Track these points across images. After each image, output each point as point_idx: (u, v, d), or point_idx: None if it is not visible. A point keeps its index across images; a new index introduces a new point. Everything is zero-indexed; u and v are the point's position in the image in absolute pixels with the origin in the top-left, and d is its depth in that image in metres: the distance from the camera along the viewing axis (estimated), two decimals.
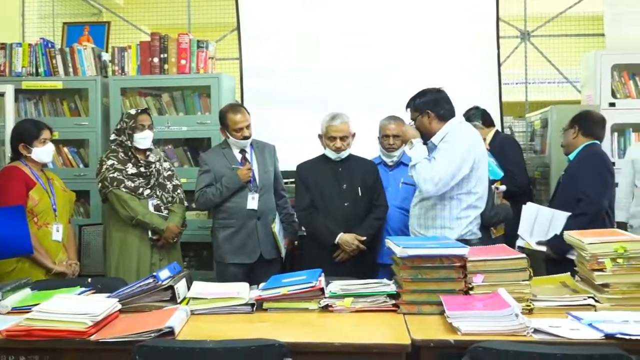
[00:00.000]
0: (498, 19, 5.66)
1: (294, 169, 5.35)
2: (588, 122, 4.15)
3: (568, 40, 6.21)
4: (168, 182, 4.31)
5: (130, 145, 4.17)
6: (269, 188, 4.32)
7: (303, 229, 5.21)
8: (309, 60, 5.77)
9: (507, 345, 2.19)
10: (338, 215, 4.04)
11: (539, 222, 4.05)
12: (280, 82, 5.77)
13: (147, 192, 4.19)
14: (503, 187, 4.27)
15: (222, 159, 4.26)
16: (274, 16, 5.82)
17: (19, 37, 6.26)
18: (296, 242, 4.71)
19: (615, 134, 5.20)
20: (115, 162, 4.15)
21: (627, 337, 2.30)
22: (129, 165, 4.17)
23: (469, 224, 3.54)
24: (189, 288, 2.96)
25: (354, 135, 4.17)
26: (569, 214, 3.93)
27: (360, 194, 4.07)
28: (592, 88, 5.33)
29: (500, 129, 5.37)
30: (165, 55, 5.20)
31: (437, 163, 3.45)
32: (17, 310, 2.79)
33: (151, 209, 4.17)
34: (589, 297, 2.71)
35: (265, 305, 2.83)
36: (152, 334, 2.38)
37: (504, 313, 2.43)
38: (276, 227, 4.24)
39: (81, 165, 5.23)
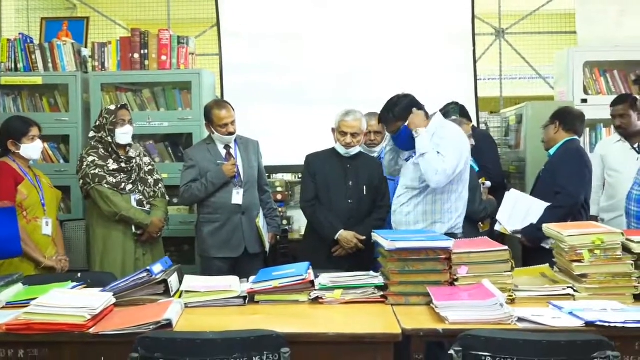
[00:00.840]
0: (474, 16, 5.75)
1: (274, 164, 5.43)
2: (569, 118, 4.23)
3: (541, 38, 6.35)
4: (149, 177, 4.35)
5: (110, 141, 4.18)
6: (253, 183, 4.35)
7: (285, 223, 5.30)
8: (288, 55, 5.80)
9: (495, 333, 2.28)
10: (340, 211, 4.05)
11: (518, 209, 4.12)
12: (260, 78, 5.78)
13: (129, 187, 4.21)
14: (488, 184, 4.38)
15: (207, 154, 4.28)
16: (253, 12, 5.82)
17: None
18: (278, 237, 4.76)
19: (587, 129, 5.30)
20: (96, 159, 4.16)
21: (606, 324, 2.41)
22: (110, 161, 4.18)
23: (458, 217, 3.61)
24: (180, 282, 3.01)
25: (367, 133, 4.22)
26: (548, 204, 4.02)
27: (364, 193, 4.07)
28: (564, 84, 5.46)
29: (476, 125, 5.48)
30: (146, 51, 5.20)
31: (444, 156, 3.46)
32: (11, 305, 2.81)
33: (134, 204, 4.20)
34: (568, 287, 2.81)
35: (257, 297, 2.88)
36: (151, 326, 2.42)
37: (489, 303, 2.52)
38: (260, 221, 4.29)
39: (62, 161, 5.20)
